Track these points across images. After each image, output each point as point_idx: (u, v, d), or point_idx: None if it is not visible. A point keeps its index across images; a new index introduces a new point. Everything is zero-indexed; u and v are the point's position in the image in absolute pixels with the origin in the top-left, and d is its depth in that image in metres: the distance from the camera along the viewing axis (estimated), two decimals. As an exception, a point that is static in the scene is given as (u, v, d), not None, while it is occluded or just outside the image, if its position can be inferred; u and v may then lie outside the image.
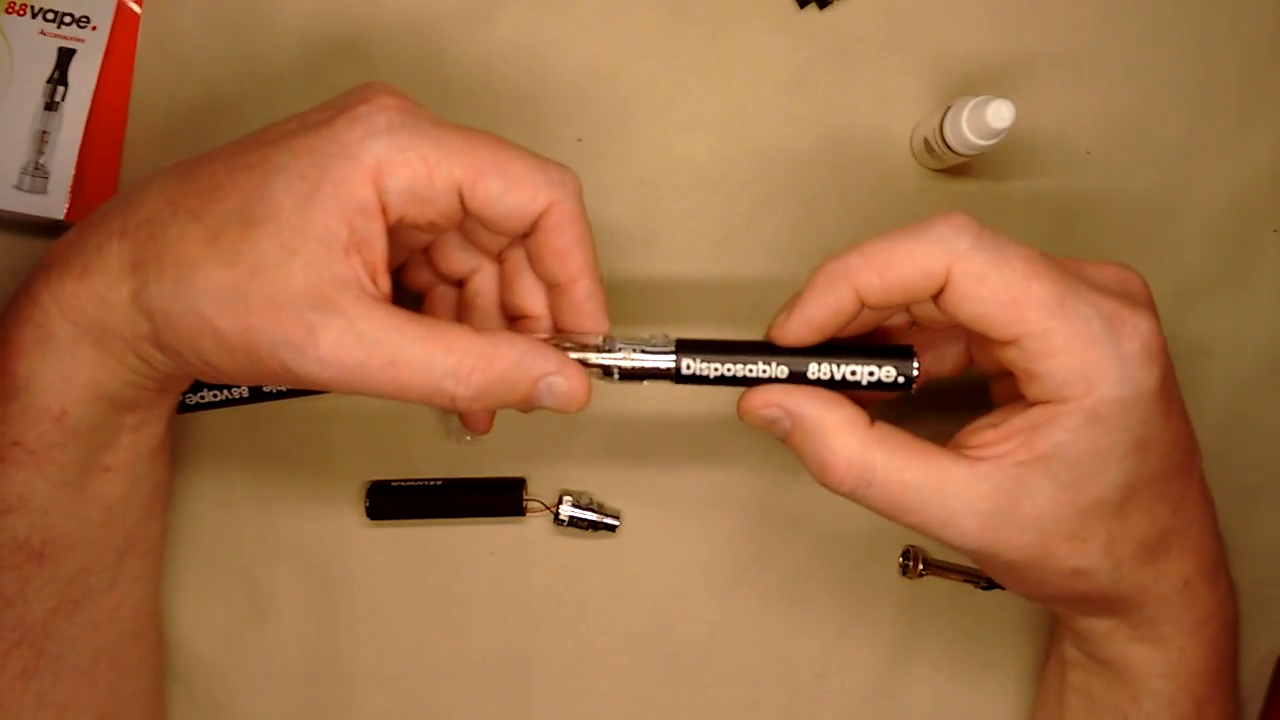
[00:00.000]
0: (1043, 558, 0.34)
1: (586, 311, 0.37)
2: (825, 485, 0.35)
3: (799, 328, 0.34)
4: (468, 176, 0.34)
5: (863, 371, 0.35)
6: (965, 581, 0.47)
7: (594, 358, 0.36)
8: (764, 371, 0.35)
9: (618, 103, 0.47)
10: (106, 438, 0.37)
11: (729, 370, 0.35)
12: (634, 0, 0.47)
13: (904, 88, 0.48)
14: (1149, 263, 0.48)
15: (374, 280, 0.33)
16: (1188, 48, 0.48)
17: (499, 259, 0.40)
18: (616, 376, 0.36)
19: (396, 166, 0.33)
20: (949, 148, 0.43)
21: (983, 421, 0.35)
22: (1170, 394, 0.35)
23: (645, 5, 0.47)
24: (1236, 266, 0.48)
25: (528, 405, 0.35)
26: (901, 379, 0.35)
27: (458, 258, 0.40)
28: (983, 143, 0.42)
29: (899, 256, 0.33)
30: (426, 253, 0.41)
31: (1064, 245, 0.48)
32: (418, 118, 0.34)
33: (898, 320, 0.39)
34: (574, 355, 0.36)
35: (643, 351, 0.36)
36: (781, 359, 0.35)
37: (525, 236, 0.37)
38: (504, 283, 0.40)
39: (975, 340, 0.39)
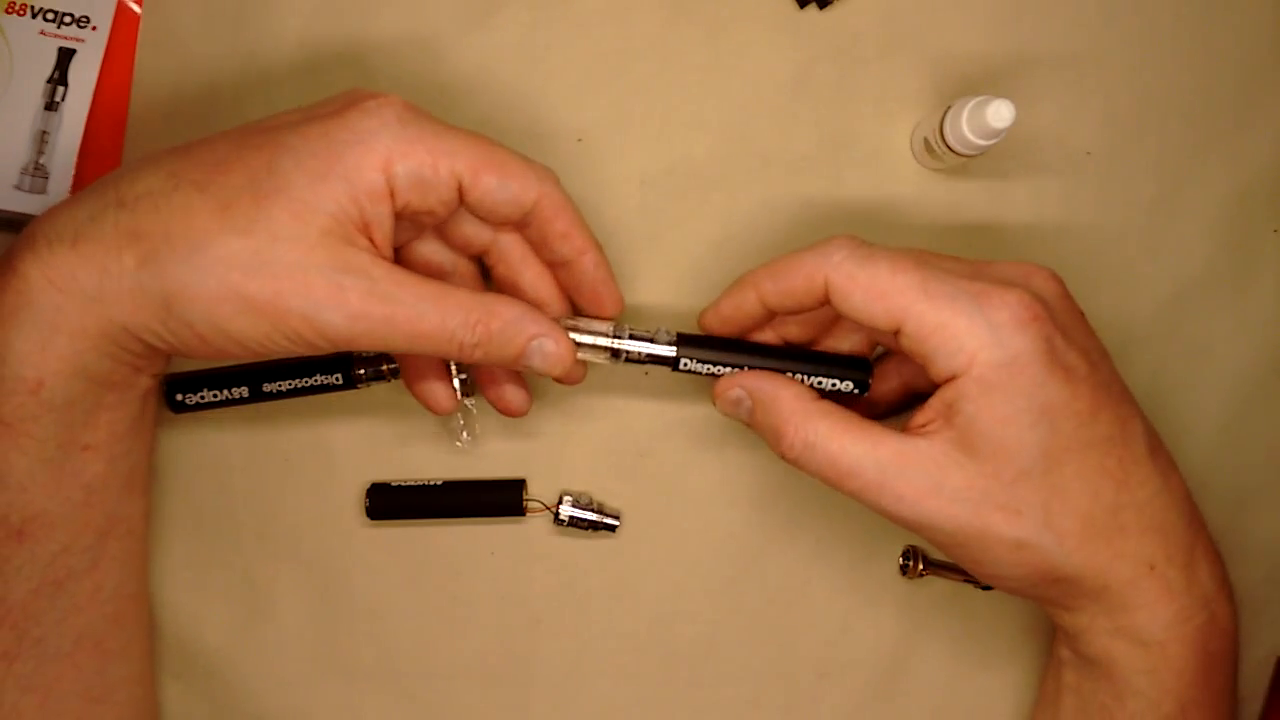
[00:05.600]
0: (981, 530, 0.37)
1: (599, 278, 0.41)
2: (780, 453, 0.39)
3: (712, 318, 0.42)
4: (468, 170, 0.37)
5: (827, 380, 0.41)
6: (965, 581, 0.47)
7: (603, 341, 0.40)
8: (750, 369, 0.41)
9: (618, 103, 0.47)
10: (85, 415, 0.37)
11: (719, 369, 0.41)
12: (634, 0, 0.47)
13: (904, 88, 0.48)
14: (1149, 263, 0.48)
15: (382, 253, 0.37)
16: (1188, 48, 0.48)
17: (488, 264, 0.42)
18: (623, 359, 0.41)
19: (405, 155, 0.36)
20: (949, 148, 0.43)
21: (919, 407, 0.38)
22: (1065, 364, 0.37)
23: (645, 5, 0.47)
24: (1236, 266, 0.48)
25: (518, 362, 0.39)
26: (857, 386, 0.41)
27: (438, 259, 0.42)
28: (983, 143, 0.42)
29: (790, 268, 0.39)
30: (401, 253, 0.42)
31: (1063, 245, 0.48)
32: (422, 116, 0.37)
33: (857, 341, 0.43)
34: (585, 337, 0.40)
35: (648, 340, 0.41)
36: (763, 360, 0.41)
37: (521, 228, 0.40)
38: (506, 286, 0.42)
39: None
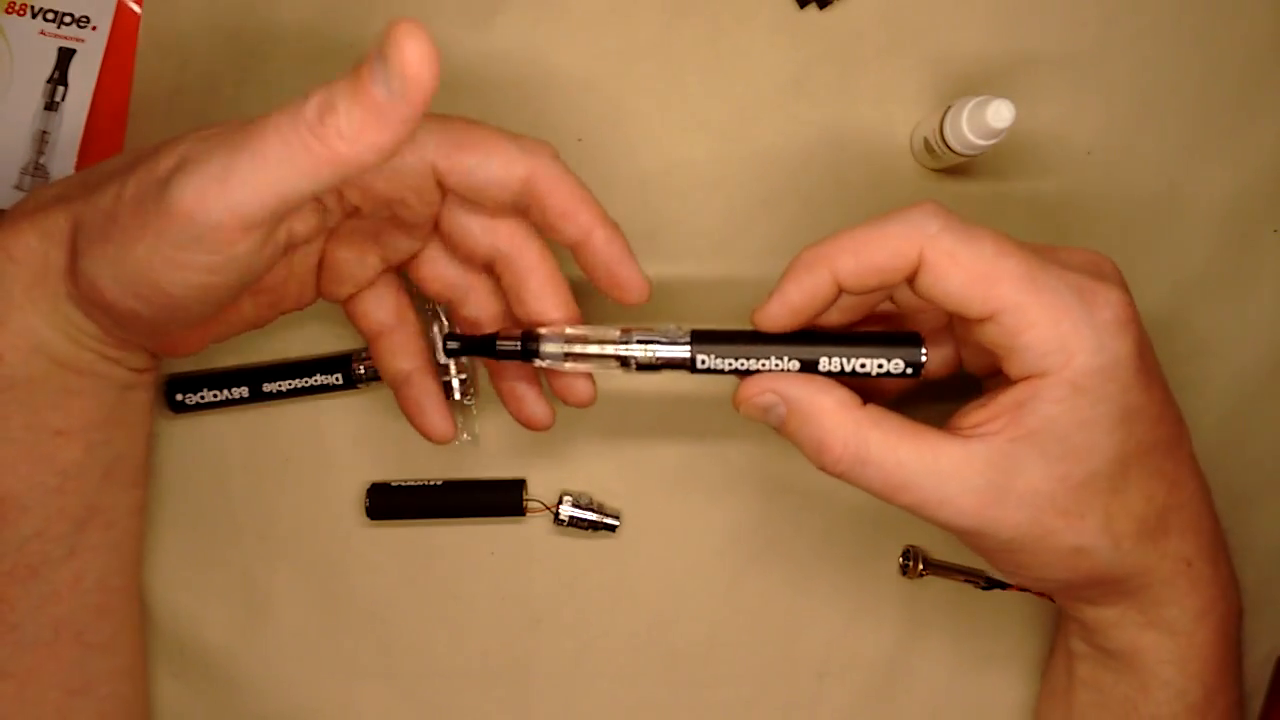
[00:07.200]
0: (1041, 536, 0.35)
1: (612, 257, 0.38)
2: (822, 467, 0.35)
3: (778, 311, 0.35)
4: (441, 152, 0.35)
5: (871, 362, 0.35)
6: (965, 581, 0.47)
7: (612, 349, 0.37)
8: (775, 363, 0.36)
9: (618, 103, 0.47)
10: (53, 398, 0.37)
11: (742, 363, 0.36)
12: (634, 0, 0.47)
13: (904, 88, 0.48)
14: (1149, 263, 0.48)
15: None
16: (1188, 48, 0.48)
17: (496, 274, 0.40)
18: (634, 367, 0.37)
19: None
20: (949, 148, 0.43)
21: (973, 404, 0.35)
22: (1148, 363, 0.35)
23: (645, 5, 0.47)
24: (1236, 266, 0.48)
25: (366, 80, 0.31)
26: (910, 367, 0.36)
27: (449, 274, 0.40)
28: (983, 143, 0.42)
29: (874, 240, 0.34)
30: (409, 268, 0.41)
31: (1063, 245, 0.47)
32: None
33: (877, 325, 0.40)
34: (590, 347, 0.37)
35: (659, 343, 0.37)
36: (793, 349, 0.36)
37: (523, 212, 0.37)
38: (512, 296, 0.40)
39: (960, 332, 0.40)
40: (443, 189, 0.36)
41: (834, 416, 0.35)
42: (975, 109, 0.41)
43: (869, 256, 0.34)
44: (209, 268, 0.32)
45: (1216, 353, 0.48)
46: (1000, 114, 0.40)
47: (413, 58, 0.28)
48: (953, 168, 0.47)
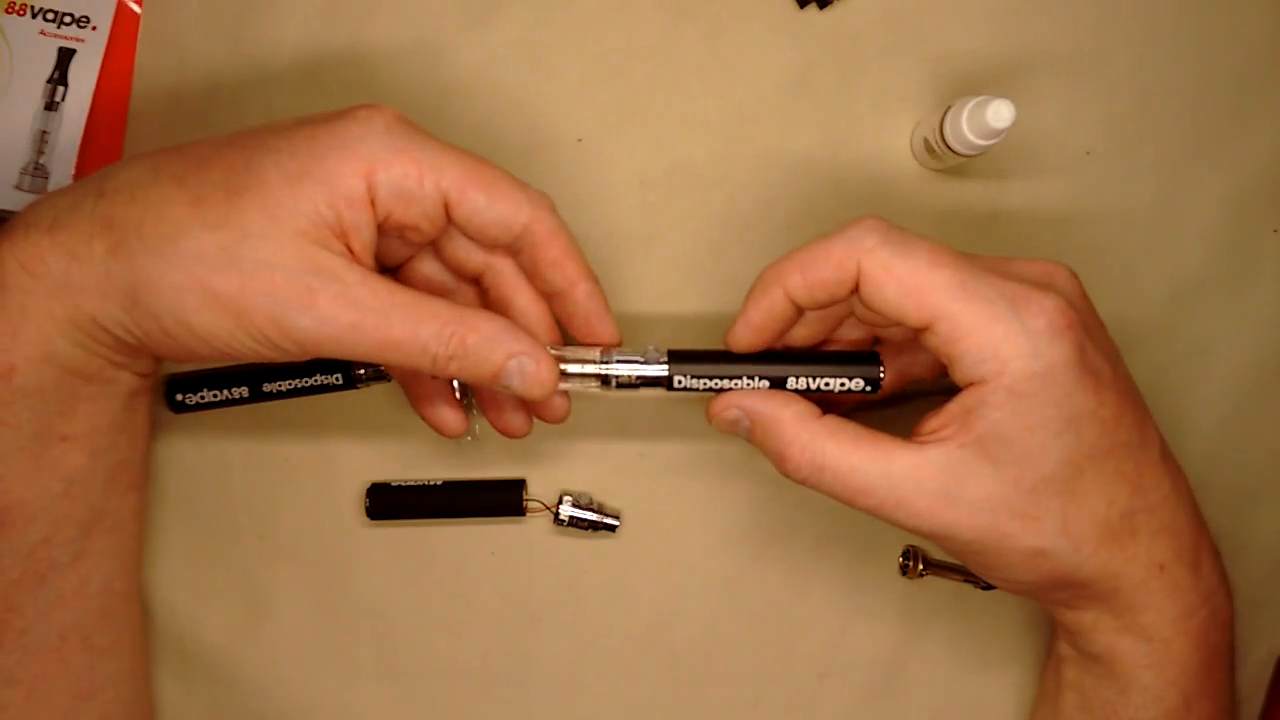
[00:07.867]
0: (998, 539, 0.36)
1: (592, 310, 0.40)
2: (785, 474, 0.38)
3: (743, 331, 0.38)
4: (455, 186, 0.36)
5: (835, 381, 0.38)
6: (965, 581, 0.47)
7: (592, 368, 0.39)
8: (746, 383, 0.38)
9: (618, 103, 0.47)
10: (60, 405, 0.37)
11: (716, 382, 0.39)
12: (634, 0, 0.47)
13: (904, 88, 0.48)
14: (1149, 263, 0.48)
15: (360, 261, 0.36)
16: (1188, 48, 0.48)
17: (481, 288, 0.41)
18: (614, 385, 0.39)
19: (389, 164, 0.35)
20: (949, 148, 0.43)
21: (931, 412, 0.37)
22: (1094, 370, 0.36)
23: (645, 5, 0.48)
24: (1236, 266, 0.48)
25: (496, 381, 0.37)
26: (869, 384, 0.38)
27: (437, 281, 0.41)
28: (983, 143, 0.42)
29: (818, 257, 0.36)
30: (400, 272, 0.41)
31: (1063, 245, 0.48)
32: (413, 128, 0.36)
33: (858, 334, 0.41)
34: (570, 366, 0.38)
35: (638, 362, 0.39)
36: (762, 368, 0.38)
37: (513, 254, 0.39)
38: (497, 311, 0.40)
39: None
40: (449, 217, 0.37)
41: (792, 427, 0.37)
42: (975, 109, 0.41)
43: (814, 273, 0.36)
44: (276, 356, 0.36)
45: (1216, 353, 0.48)
46: (1000, 114, 0.40)
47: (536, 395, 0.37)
48: (953, 168, 0.47)
